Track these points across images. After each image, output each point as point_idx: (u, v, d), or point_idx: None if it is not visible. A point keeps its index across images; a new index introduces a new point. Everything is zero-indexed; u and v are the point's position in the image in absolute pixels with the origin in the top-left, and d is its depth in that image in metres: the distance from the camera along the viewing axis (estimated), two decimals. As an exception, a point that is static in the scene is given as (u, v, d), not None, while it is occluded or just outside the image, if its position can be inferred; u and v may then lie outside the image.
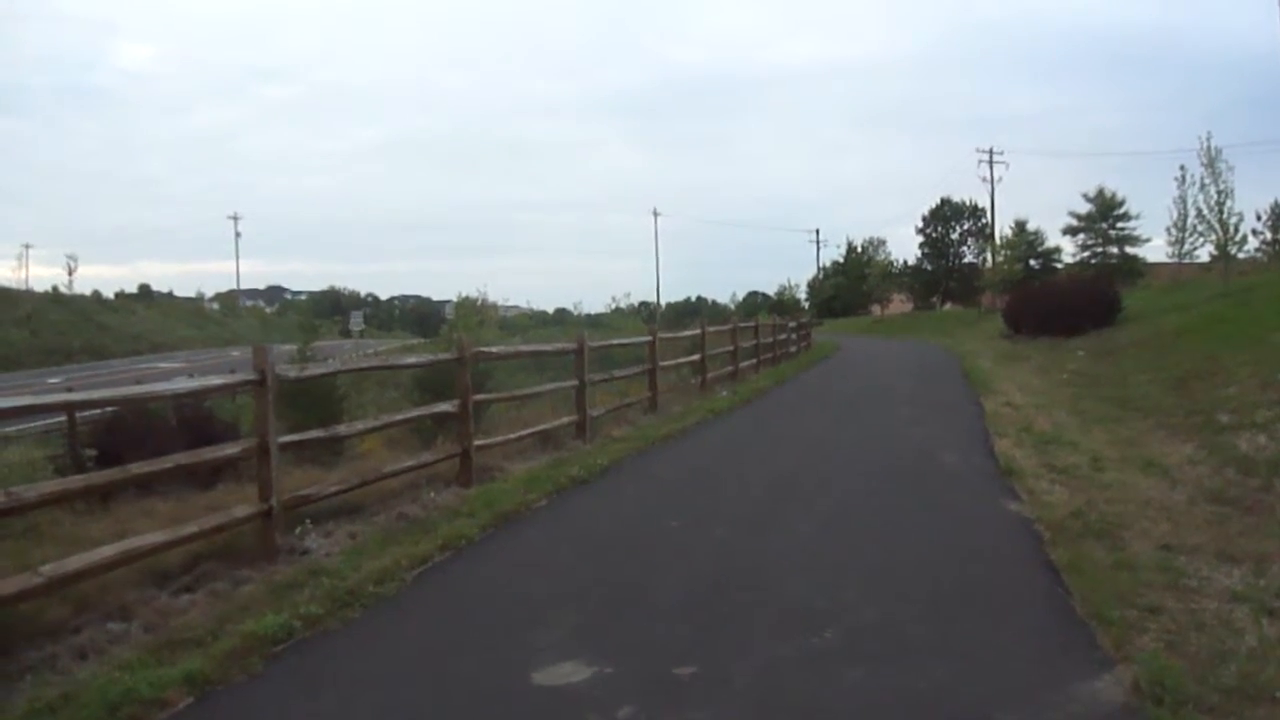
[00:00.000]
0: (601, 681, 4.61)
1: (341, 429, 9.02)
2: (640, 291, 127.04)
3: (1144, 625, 5.20)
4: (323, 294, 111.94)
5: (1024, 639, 5.20)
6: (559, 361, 15.88)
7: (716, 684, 4.56)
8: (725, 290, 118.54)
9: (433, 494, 8.90)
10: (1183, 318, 26.15)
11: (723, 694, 4.44)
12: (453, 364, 10.11)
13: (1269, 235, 54.29)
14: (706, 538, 7.54)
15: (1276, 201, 51.44)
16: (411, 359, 13.14)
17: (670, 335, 20.15)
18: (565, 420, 12.65)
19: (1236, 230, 33.69)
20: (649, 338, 16.80)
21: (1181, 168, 37.66)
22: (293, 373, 8.02)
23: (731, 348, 22.46)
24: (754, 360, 24.85)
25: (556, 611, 5.71)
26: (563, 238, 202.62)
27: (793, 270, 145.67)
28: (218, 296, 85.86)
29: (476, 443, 9.87)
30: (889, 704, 4.35)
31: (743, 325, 25.51)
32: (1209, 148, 32.99)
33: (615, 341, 17.75)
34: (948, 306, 73.85)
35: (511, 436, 11.20)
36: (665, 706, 4.33)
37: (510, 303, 64.56)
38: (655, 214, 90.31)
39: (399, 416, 10.30)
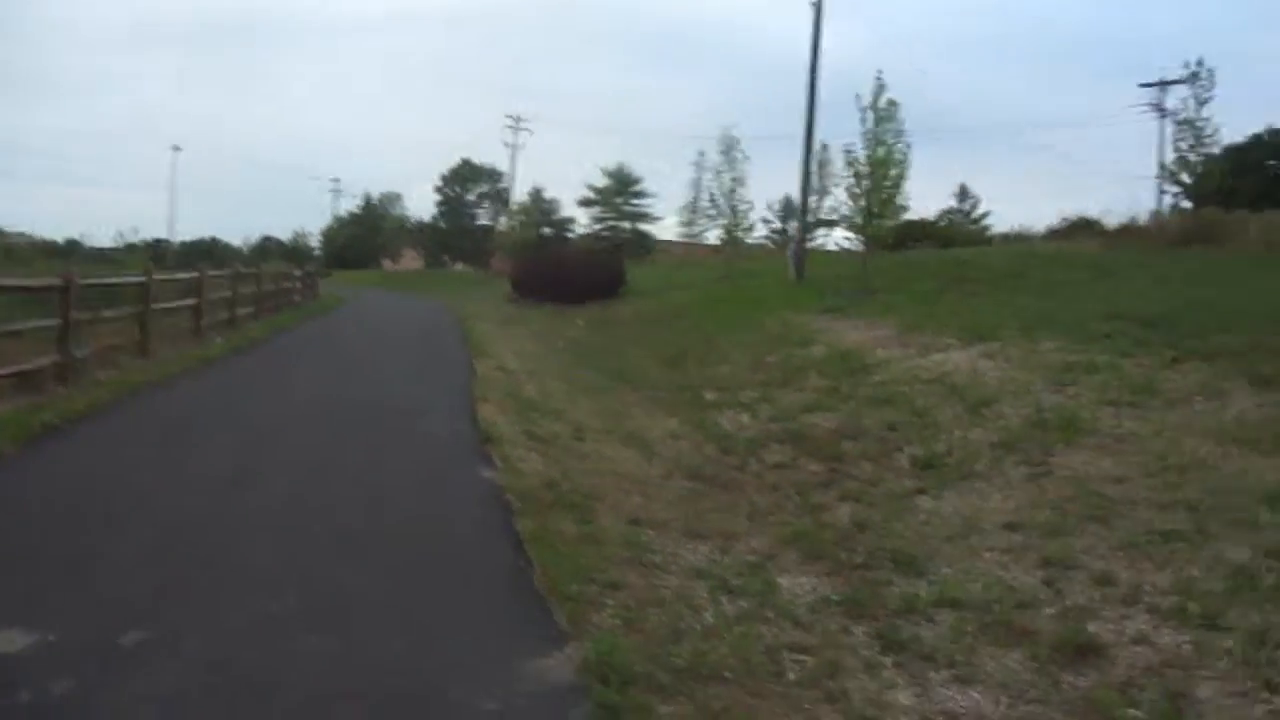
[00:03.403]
0: (42, 649, 4.33)
1: None
2: (158, 228, 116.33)
3: (603, 601, 5.24)
4: None
5: (481, 613, 5.20)
6: (51, 298, 14.53)
7: (164, 652, 4.40)
8: (246, 232, 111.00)
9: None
10: (686, 296, 27.40)
11: (169, 662, 4.30)
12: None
13: (779, 224, 61.41)
14: (174, 497, 7.09)
15: (787, 195, 57.17)
16: None
17: (167, 277, 19.11)
18: (45, 361, 11.72)
19: (746, 217, 36.94)
20: (143, 277, 15.88)
21: (700, 152, 41.18)
22: None
23: (230, 294, 21.83)
24: (253, 308, 24.23)
25: (1, 575, 5.32)
26: (84, 166, 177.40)
27: (314, 217, 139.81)
28: None
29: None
30: (339, 674, 4.32)
31: (244, 271, 24.73)
32: (727, 136, 35.91)
33: (105, 280, 16.52)
34: (459, 266, 75.24)
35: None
36: (107, 676, 4.15)
37: (19, 230, 57.20)
38: (175, 149, 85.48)
39: None
